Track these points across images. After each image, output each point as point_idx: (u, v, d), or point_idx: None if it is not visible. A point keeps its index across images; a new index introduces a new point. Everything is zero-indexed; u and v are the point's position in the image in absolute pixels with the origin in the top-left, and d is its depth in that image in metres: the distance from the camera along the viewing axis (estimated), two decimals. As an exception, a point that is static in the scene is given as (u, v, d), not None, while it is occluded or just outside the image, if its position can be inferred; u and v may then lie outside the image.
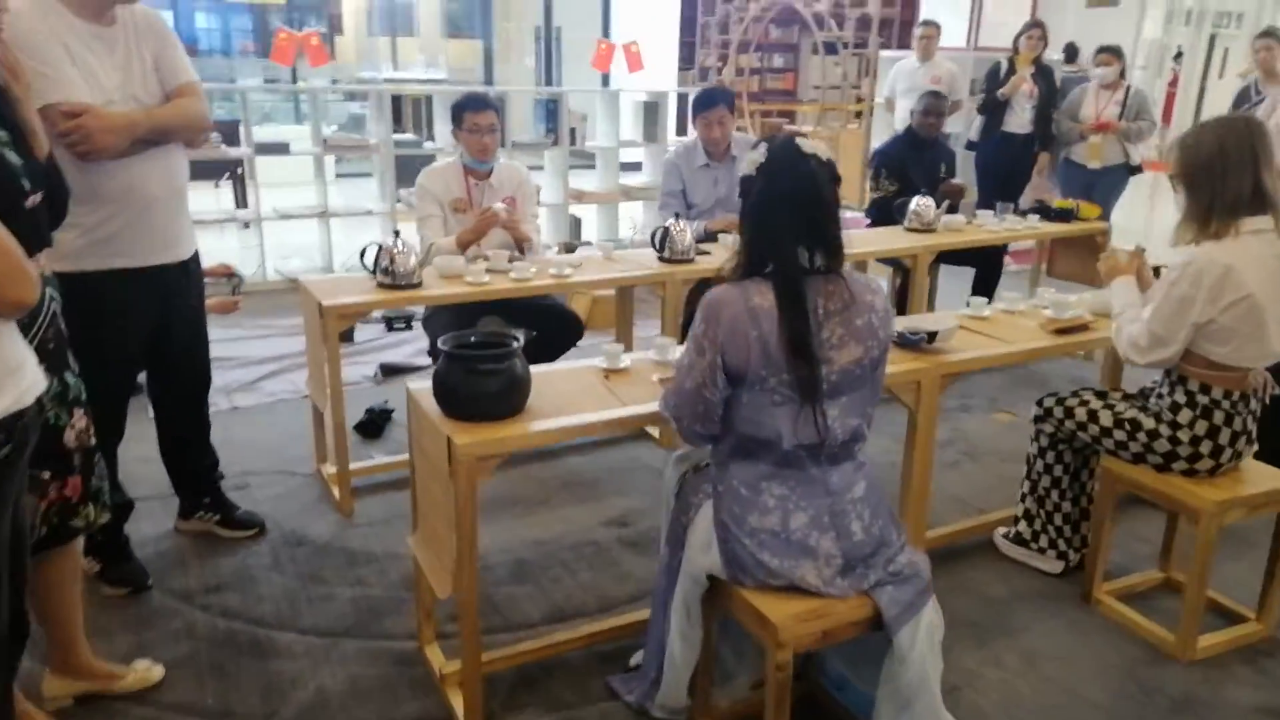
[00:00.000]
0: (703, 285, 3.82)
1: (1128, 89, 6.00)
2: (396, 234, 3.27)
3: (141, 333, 2.69)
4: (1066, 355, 4.30)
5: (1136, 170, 6.16)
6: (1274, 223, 2.39)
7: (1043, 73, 6.35)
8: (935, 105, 4.76)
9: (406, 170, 6.42)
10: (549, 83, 11.16)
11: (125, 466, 2.83)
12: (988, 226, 4.52)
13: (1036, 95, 6.29)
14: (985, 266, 4.87)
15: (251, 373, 4.56)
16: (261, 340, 5.06)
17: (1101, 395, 2.74)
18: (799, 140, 1.92)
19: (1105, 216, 5.63)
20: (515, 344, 2.15)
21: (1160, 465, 2.56)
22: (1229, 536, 2.84)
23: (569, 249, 5.91)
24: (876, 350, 1.95)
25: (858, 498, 1.97)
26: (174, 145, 2.61)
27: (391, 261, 3.22)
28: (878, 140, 7.93)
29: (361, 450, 3.70)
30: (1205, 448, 2.49)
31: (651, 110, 6.95)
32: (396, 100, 6.85)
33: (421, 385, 2.29)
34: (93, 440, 2.17)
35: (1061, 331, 2.85)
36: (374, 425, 3.93)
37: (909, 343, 2.64)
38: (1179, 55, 9.02)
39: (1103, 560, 2.74)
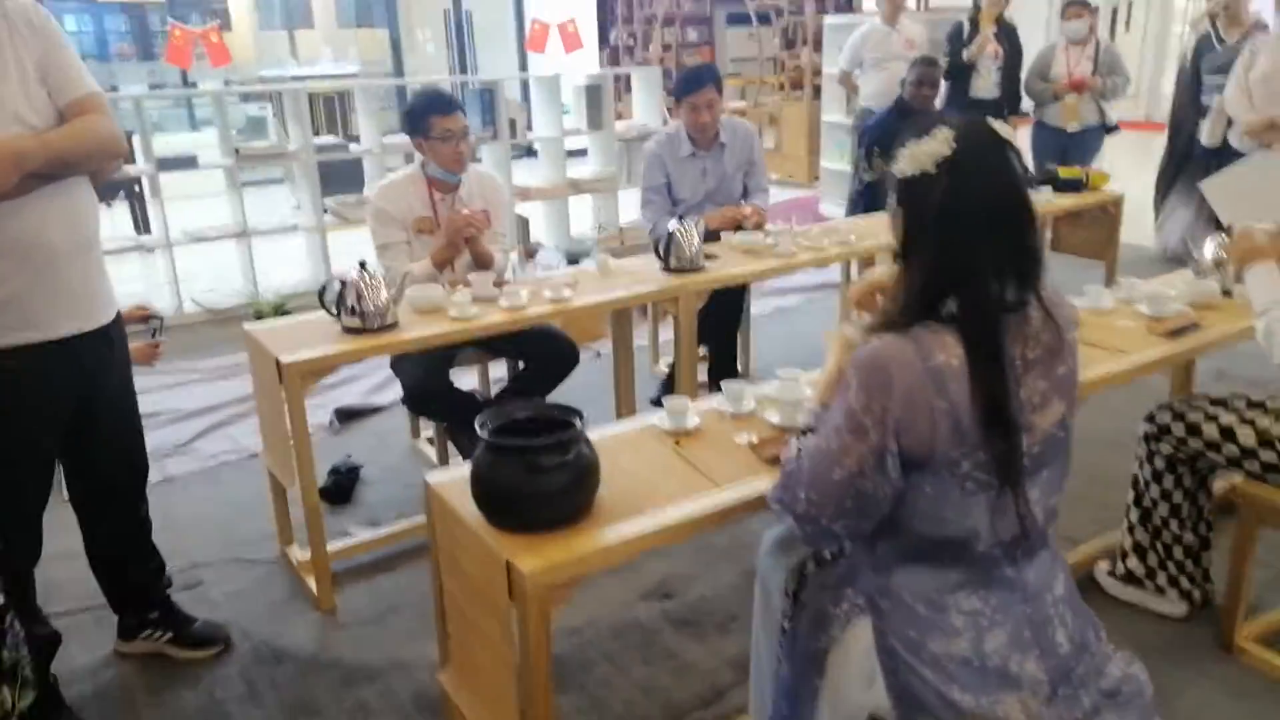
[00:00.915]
0: (719, 297, 3.34)
1: (1098, 44, 5.72)
2: (362, 265, 2.69)
3: (58, 422, 2.08)
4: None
5: (1113, 129, 5.89)
6: None
7: (1006, 32, 6.02)
8: (929, 74, 4.36)
9: (332, 178, 5.76)
10: (463, 70, 10.46)
11: (41, 570, 2.20)
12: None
13: (1001, 56, 5.96)
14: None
15: (182, 431, 3.90)
16: (187, 389, 4.37)
17: (1223, 404, 2.33)
18: (991, 122, 1.43)
19: None
20: (578, 423, 1.63)
21: (1257, 475, 2.18)
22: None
23: (530, 254, 5.35)
24: (1075, 403, 1.50)
25: (1059, 597, 1.51)
26: (77, 180, 2.00)
27: (359, 299, 2.64)
28: (830, 115, 7.56)
29: (331, 522, 3.11)
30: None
31: (594, 94, 6.40)
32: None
33: (445, 479, 1.75)
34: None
35: (1174, 333, 2.44)
36: (340, 489, 3.33)
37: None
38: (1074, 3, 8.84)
39: (1244, 603, 2.35)
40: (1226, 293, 2.73)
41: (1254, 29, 5.41)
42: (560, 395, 3.24)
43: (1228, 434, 2.26)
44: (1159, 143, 6.17)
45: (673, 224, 3.25)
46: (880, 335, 1.42)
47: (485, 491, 1.59)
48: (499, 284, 3.03)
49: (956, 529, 1.42)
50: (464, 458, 3.30)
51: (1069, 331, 1.47)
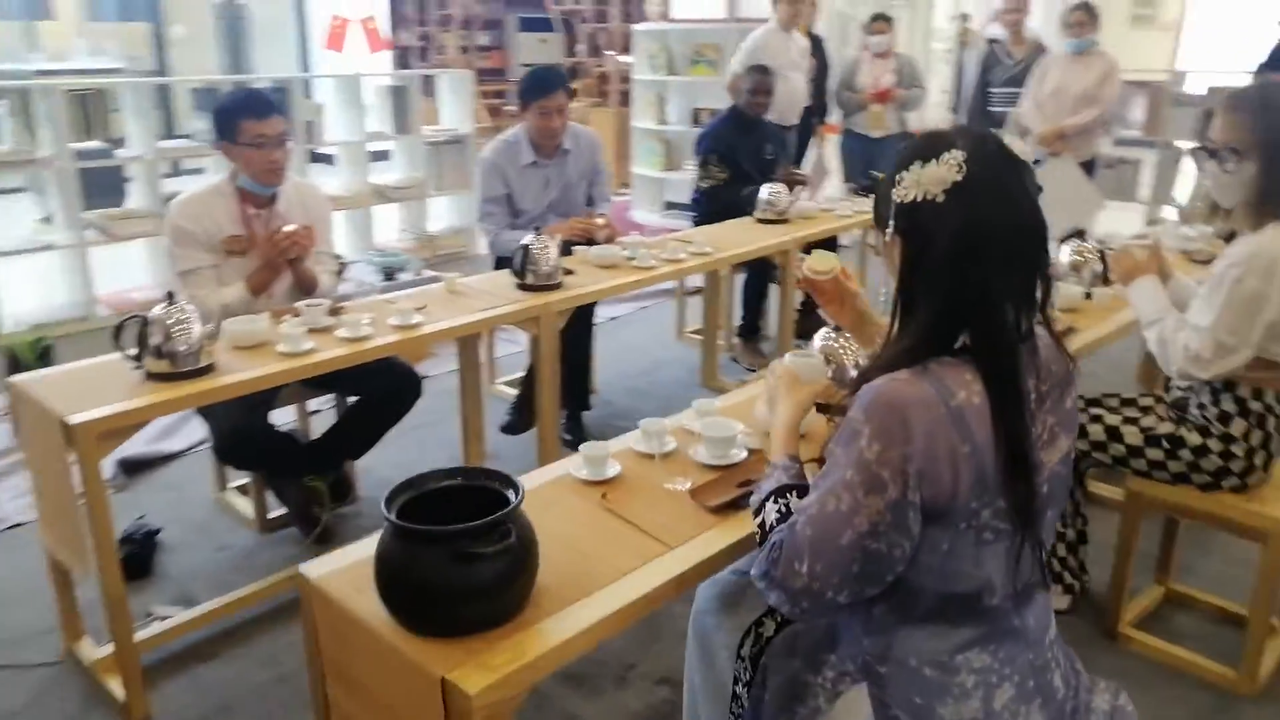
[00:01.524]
0: (581, 314, 3.07)
1: (898, 56, 5.92)
2: (170, 297, 2.21)
3: None
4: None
5: (909, 136, 6.12)
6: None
7: (815, 43, 6.13)
8: (764, 82, 4.27)
9: (91, 188, 4.97)
10: (238, 69, 9.55)
11: None
12: (838, 212, 4.11)
13: (812, 67, 6.06)
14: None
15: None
16: (-82, 446, 3.57)
17: (1099, 404, 2.37)
18: (1005, 138, 1.25)
19: None
20: (513, 495, 1.32)
21: (1207, 484, 2.21)
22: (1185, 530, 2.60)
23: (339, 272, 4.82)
24: (1074, 437, 1.36)
25: (1053, 639, 1.38)
26: None
27: (168, 338, 2.16)
28: (641, 121, 7.45)
29: (131, 602, 2.57)
30: (1259, 459, 2.17)
31: (400, 96, 5.94)
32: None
33: (328, 571, 1.39)
34: None
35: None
36: (137, 561, 2.76)
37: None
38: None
39: (1127, 595, 2.39)
40: (1088, 295, 2.78)
41: (1036, 49, 5.77)
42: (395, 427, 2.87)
43: (1113, 434, 2.28)
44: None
45: (528, 237, 2.94)
46: (882, 372, 1.23)
47: (402, 589, 1.25)
48: (335, 310, 2.61)
49: (969, 583, 1.25)
50: (290, 510, 2.85)
51: (1069, 361, 1.33)
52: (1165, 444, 2.22)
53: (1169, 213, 5.73)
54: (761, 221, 3.91)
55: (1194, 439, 2.19)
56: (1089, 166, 5.13)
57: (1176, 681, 2.27)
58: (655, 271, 3.19)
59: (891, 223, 1.26)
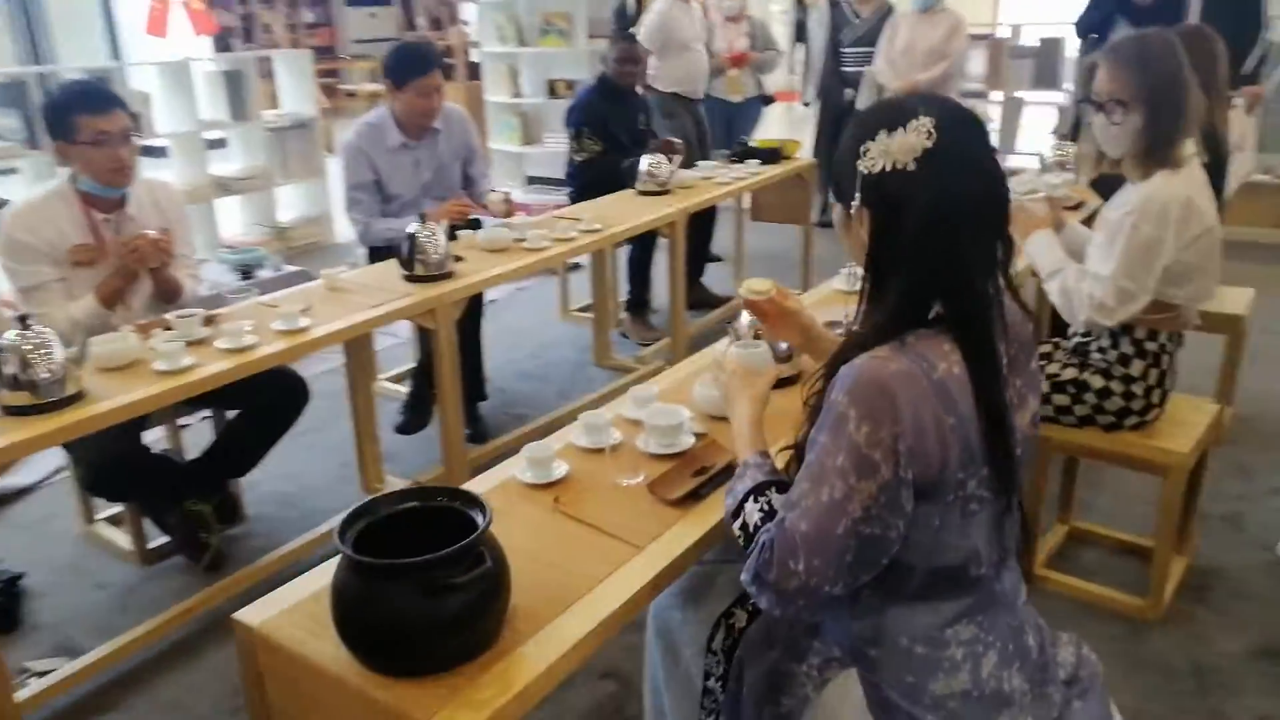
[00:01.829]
0: (471, 302, 2.92)
1: (750, 20, 5.95)
2: (23, 320, 1.95)
3: None
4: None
5: (770, 100, 6.18)
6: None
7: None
8: (632, 50, 4.19)
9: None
10: (36, 59, 8.68)
11: None
12: (717, 179, 4.09)
13: (664, 34, 6.00)
14: (701, 223, 4.45)
15: None
16: None
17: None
18: (964, 102, 1.22)
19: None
20: (479, 515, 1.21)
21: (1111, 424, 2.30)
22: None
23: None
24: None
25: (1024, 599, 1.39)
26: None
27: (26, 368, 1.91)
28: (494, 95, 7.23)
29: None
30: (1156, 397, 2.28)
31: (235, 81, 5.53)
32: None
33: (271, 614, 1.25)
34: None
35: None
36: (2, 611, 2.49)
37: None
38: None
39: (1039, 537, 2.48)
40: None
41: (883, 8, 5.89)
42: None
43: None
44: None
45: (413, 225, 2.77)
46: (858, 351, 1.19)
47: (369, 630, 1.13)
48: (210, 319, 2.38)
49: (956, 556, 1.24)
50: (174, 538, 2.62)
51: (1030, 323, 1.32)
52: (1070, 389, 2.30)
53: (1025, 161, 6.03)
54: (643, 194, 3.84)
55: (1097, 382, 2.28)
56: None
57: (1091, 615, 2.37)
58: (548, 252, 3.07)
59: (858, 196, 1.20)
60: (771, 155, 4.42)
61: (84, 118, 2.37)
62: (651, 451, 1.66)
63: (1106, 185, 2.67)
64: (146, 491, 2.55)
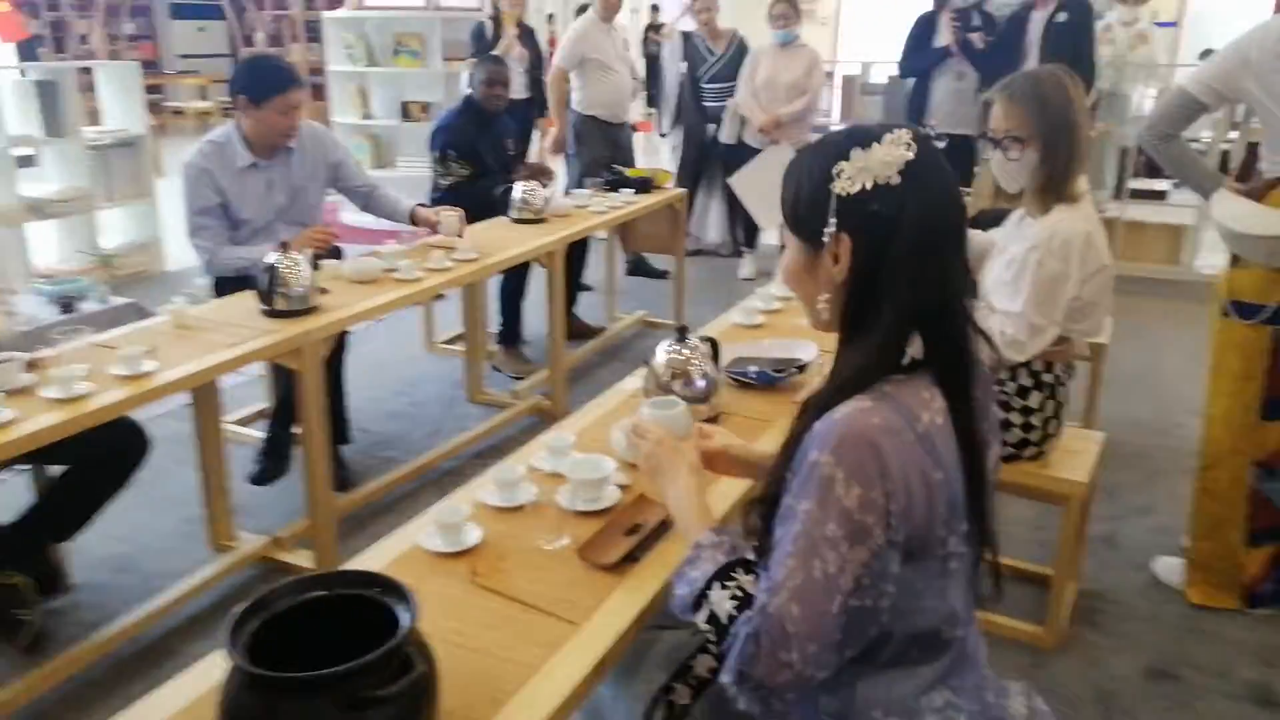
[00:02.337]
0: (337, 341, 2.67)
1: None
2: None
3: None
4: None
5: (634, 129, 6.13)
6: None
7: (527, 34, 5.94)
8: (500, 73, 4.01)
9: None
10: None
11: None
12: (592, 208, 3.96)
13: (526, 58, 5.87)
14: (574, 252, 4.30)
15: None
16: None
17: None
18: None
19: None
20: (401, 606, 1.02)
21: (1010, 456, 2.31)
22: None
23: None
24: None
25: (984, 656, 1.31)
26: None
27: None
28: (342, 116, 6.87)
29: None
30: (1052, 427, 2.30)
31: (50, 93, 4.99)
32: None
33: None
34: None
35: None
36: None
37: (769, 381, 1.98)
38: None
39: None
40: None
41: (735, 41, 5.98)
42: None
43: None
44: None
45: (272, 255, 2.50)
46: (835, 400, 1.08)
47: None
48: (34, 365, 2.04)
49: (933, 618, 1.14)
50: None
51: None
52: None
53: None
54: (518, 221, 3.67)
55: (998, 416, 2.27)
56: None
57: (993, 644, 2.35)
58: (423, 284, 2.85)
59: (833, 222, 1.09)
60: (644, 184, 4.34)
61: None
62: (573, 509, 1.50)
63: (985, 220, 2.70)
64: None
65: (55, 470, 2.32)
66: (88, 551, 2.52)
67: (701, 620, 1.10)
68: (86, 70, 5.77)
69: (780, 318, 2.48)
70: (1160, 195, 5.27)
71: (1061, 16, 4.73)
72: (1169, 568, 2.57)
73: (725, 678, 1.05)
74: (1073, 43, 4.62)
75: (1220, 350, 2.41)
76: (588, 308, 4.56)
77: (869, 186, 1.07)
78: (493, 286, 4.07)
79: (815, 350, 2.09)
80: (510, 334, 4.03)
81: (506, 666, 1.15)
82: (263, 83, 2.90)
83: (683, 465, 1.29)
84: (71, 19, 8.90)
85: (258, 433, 3.18)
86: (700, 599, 1.11)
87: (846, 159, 1.08)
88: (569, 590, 1.31)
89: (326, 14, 7.14)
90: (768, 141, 5.23)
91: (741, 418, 1.86)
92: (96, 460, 2.24)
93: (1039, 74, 2.19)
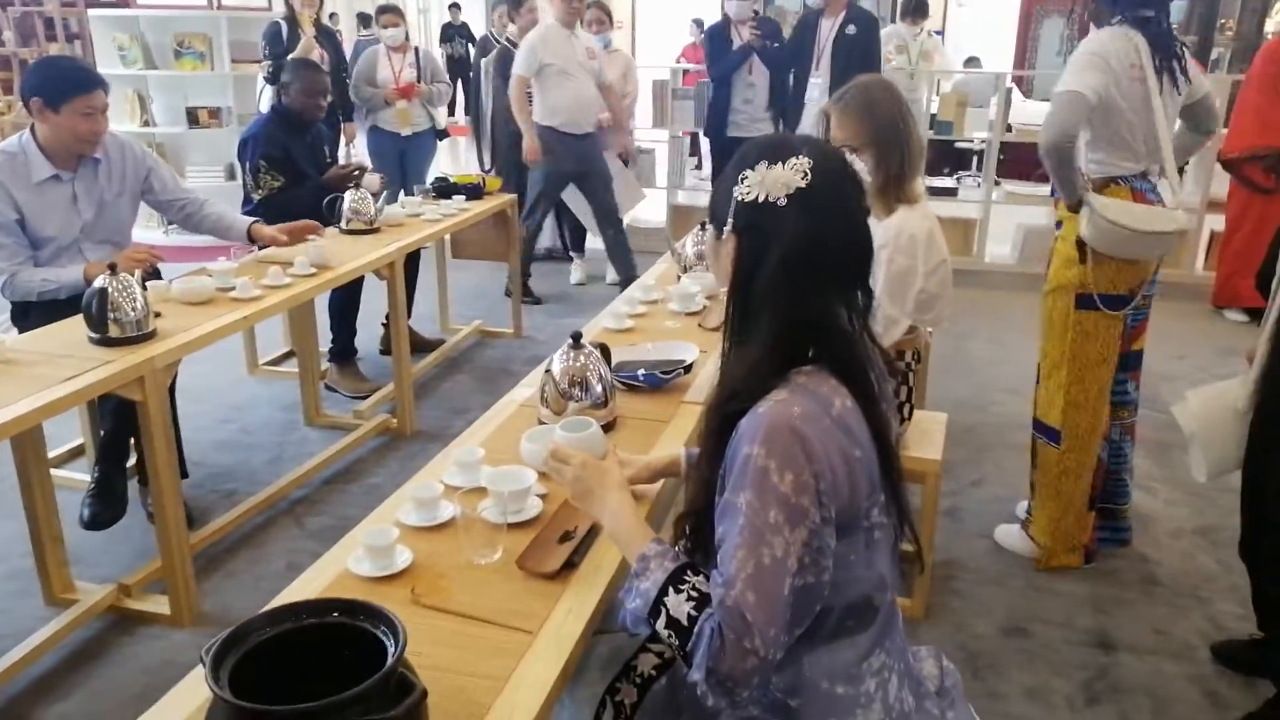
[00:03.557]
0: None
1: (416, 50, 5.79)
2: None
3: None
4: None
5: (444, 134, 6.04)
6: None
7: (326, 35, 5.71)
8: (319, 81, 3.83)
9: None
10: None
11: None
12: (426, 215, 3.87)
13: (327, 61, 5.64)
14: (406, 262, 4.19)
15: None
16: None
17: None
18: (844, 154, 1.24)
19: (421, 181, 5.40)
20: (383, 631, 0.99)
21: None
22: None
23: None
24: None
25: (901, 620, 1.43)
26: None
27: None
28: (120, 124, 6.31)
29: None
30: (906, 410, 2.48)
31: None
32: None
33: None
34: None
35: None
36: None
37: (657, 383, 2.04)
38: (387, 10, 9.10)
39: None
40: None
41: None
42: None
43: None
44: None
45: (102, 278, 2.29)
46: (747, 396, 1.16)
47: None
48: None
49: (865, 587, 1.23)
50: None
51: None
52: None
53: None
54: (350, 232, 3.53)
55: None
56: (623, 159, 5.49)
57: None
58: (263, 303, 2.70)
59: (730, 220, 1.21)
60: (474, 191, 4.30)
61: None
62: (497, 521, 1.49)
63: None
64: None
65: None
66: (-110, 622, 2.23)
67: (661, 626, 1.13)
68: None
69: (648, 320, 2.53)
70: (952, 192, 5.76)
71: (850, 29, 5.10)
72: (1008, 534, 2.82)
73: (695, 675, 1.08)
74: (862, 54, 4.98)
75: (1078, 340, 2.54)
76: (419, 319, 4.46)
77: (759, 199, 1.18)
78: (320, 301, 3.90)
79: (695, 350, 2.16)
80: (344, 351, 3.87)
81: (474, 681, 1.14)
82: (61, 83, 2.66)
83: (611, 485, 1.33)
84: None
85: (79, 474, 2.91)
86: (657, 606, 1.13)
87: (753, 168, 1.19)
88: (515, 601, 1.31)
89: (93, 12, 6.55)
90: (589, 147, 5.29)
91: (636, 420, 1.90)
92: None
93: (867, 83, 2.35)
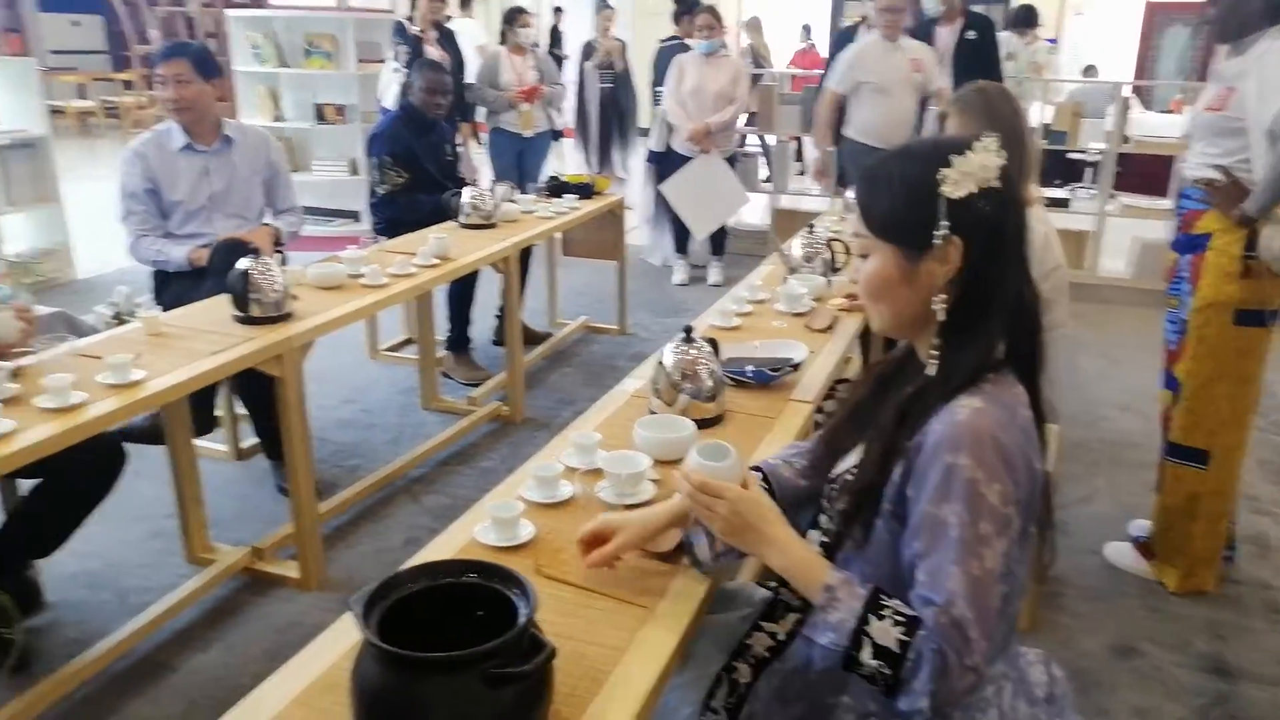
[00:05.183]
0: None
1: (534, 52, 5.94)
2: None
3: None
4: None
5: (558, 135, 6.19)
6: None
7: (446, 36, 5.93)
8: (441, 81, 4.01)
9: None
10: None
11: None
12: (539, 213, 4.00)
13: (447, 61, 5.85)
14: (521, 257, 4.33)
15: None
16: None
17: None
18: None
19: (536, 180, 5.55)
20: (516, 592, 1.07)
21: None
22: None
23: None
24: None
25: None
26: None
27: None
28: (251, 118, 6.67)
29: None
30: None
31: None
32: None
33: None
34: None
35: (829, 328, 2.54)
36: None
37: (765, 380, 2.08)
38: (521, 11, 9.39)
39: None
40: (829, 283, 2.96)
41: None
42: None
43: None
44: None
45: (245, 260, 2.47)
46: (947, 400, 1.15)
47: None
48: (19, 373, 1.98)
49: (1013, 590, 1.20)
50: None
51: None
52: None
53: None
54: (467, 226, 3.68)
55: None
56: (730, 161, 5.54)
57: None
58: (390, 290, 2.85)
59: (945, 225, 1.15)
60: (585, 190, 4.41)
61: None
62: (610, 501, 1.56)
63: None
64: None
65: (29, 484, 2.24)
66: (59, 568, 2.44)
67: (867, 657, 1.09)
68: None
69: (754, 320, 2.58)
70: (1064, 203, 5.61)
71: (970, 34, 5.03)
72: (1119, 552, 2.74)
73: (918, 702, 1.06)
74: (982, 60, 4.91)
75: (1236, 357, 2.42)
76: (529, 313, 4.60)
77: (975, 189, 1.15)
78: (440, 293, 4.07)
79: (804, 349, 2.20)
80: (460, 340, 4.03)
81: (594, 650, 1.21)
82: (157, 56, 3.12)
83: (771, 519, 1.24)
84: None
85: (217, 445, 3.14)
86: (858, 637, 1.10)
87: (947, 164, 1.15)
88: (632, 576, 1.37)
89: (231, 12, 6.93)
90: (696, 150, 5.36)
91: (743, 415, 1.95)
92: (77, 472, 2.18)
93: (985, 87, 2.35)
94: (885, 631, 1.08)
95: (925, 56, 4.75)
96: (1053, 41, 9.30)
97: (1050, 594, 2.59)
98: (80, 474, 2.20)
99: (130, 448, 2.29)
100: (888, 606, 1.10)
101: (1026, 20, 6.86)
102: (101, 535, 2.61)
